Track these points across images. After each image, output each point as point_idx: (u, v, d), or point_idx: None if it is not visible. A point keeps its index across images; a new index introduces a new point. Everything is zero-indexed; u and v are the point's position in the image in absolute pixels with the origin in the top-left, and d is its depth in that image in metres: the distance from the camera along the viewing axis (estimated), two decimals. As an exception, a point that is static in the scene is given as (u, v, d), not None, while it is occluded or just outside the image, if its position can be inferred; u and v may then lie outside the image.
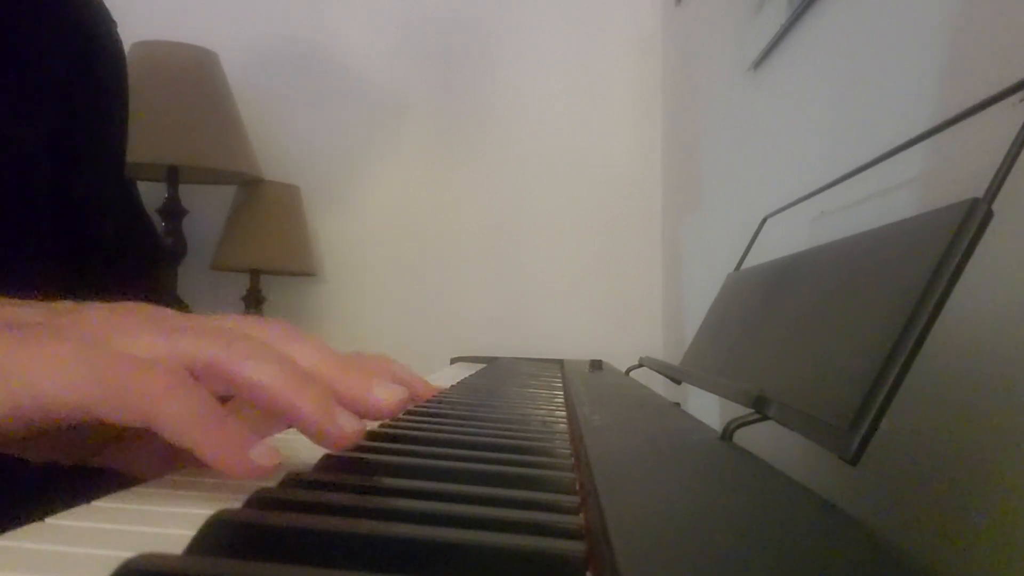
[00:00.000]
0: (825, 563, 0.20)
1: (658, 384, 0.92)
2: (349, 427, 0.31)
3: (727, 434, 0.38)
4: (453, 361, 1.43)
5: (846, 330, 0.38)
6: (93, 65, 0.57)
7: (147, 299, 0.35)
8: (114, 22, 0.60)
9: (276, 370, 0.30)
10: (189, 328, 0.31)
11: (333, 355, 0.34)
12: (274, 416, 0.31)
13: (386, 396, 0.34)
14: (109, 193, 0.64)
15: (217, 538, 0.21)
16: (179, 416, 0.27)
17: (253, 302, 1.78)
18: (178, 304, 0.79)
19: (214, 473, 0.33)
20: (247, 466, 0.28)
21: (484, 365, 1.19)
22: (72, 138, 0.55)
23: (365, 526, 0.21)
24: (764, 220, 0.79)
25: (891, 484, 0.55)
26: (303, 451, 0.41)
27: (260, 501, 0.25)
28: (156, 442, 0.32)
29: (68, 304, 0.33)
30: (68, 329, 0.31)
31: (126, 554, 0.19)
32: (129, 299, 0.35)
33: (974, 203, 0.33)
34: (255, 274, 1.79)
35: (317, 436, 0.31)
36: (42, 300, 0.34)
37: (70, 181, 0.56)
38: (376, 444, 0.37)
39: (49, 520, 0.24)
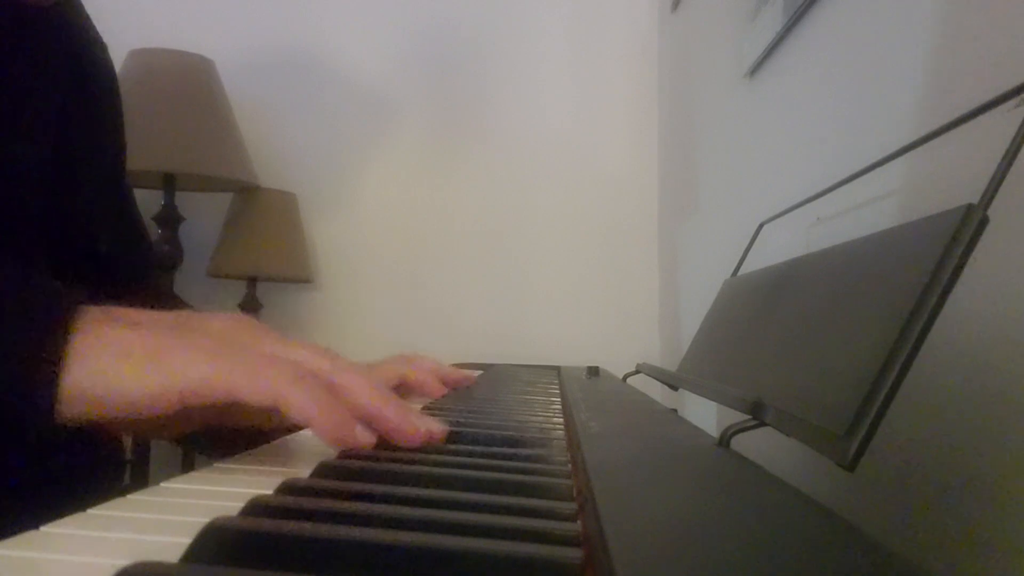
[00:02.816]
0: (822, 569, 0.20)
1: (655, 390, 0.92)
2: (423, 427, 0.39)
3: (724, 440, 0.38)
4: (450, 368, 1.42)
5: (843, 336, 0.38)
6: (86, 87, 0.61)
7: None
8: (104, 46, 0.64)
9: (367, 382, 0.39)
10: (298, 343, 0.40)
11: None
12: (361, 418, 0.38)
13: (437, 424, 0.41)
14: (104, 208, 0.67)
15: (213, 546, 0.21)
16: (303, 400, 0.35)
17: (250, 309, 1.77)
18: (178, 305, 0.79)
19: (208, 480, 0.33)
20: (353, 440, 0.35)
21: (481, 372, 1.19)
22: (68, 156, 0.58)
23: (362, 533, 0.21)
24: (761, 226, 0.79)
25: (888, 490, 0.55)
26: (299, 458, 0.41)
27: (256, 508, 0.25)
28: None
29: (193, 312, 0.42)
30: (205, 330, 0.39)
31: (121, 562, 0.19)
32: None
33: (970, 209, 0.33)
34: (252, 281, 1.78)
35: (398, 435, 0.38)
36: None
37: (66, 197, 0.59)
38: (372, 452, 0.37)
39: (44, 528, 0.24)
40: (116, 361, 0.34)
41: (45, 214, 0.57)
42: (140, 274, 0.76)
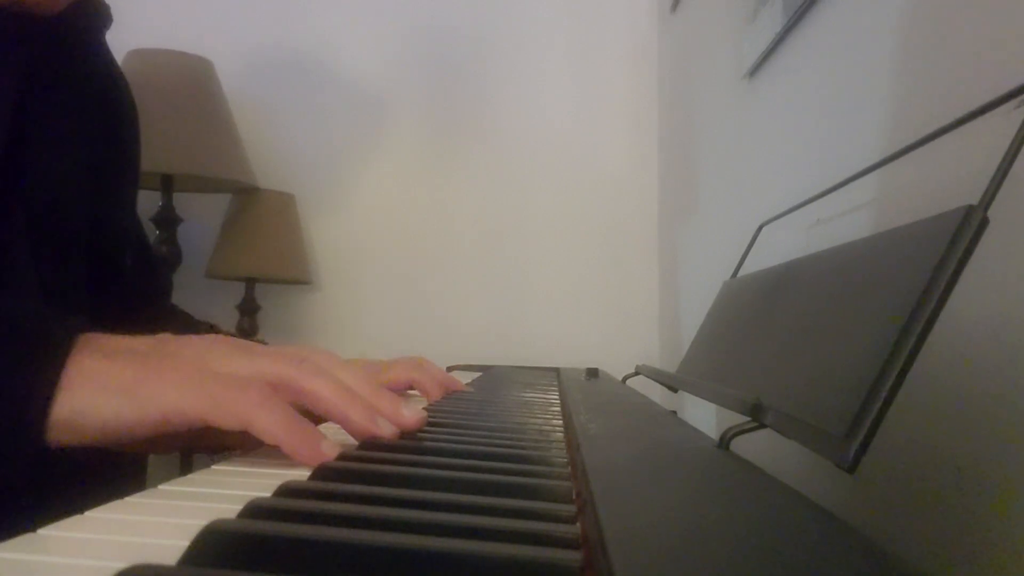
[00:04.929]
0: (823, 572, 0.20)
1: (655, 392, 0.92)
2: (387, 430, 0.41)
3: (724, 442, 0.38)
4: (449, 370, 1.42)
5: (843, 337, 0.38)
6: (114, 124, 0.71)
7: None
8: (127, 83, 0.74)
9: (333, 385, 0.41)
10: (267, 353, 0.42)
11: (371, 378, 0.44)
12: (329, 419, 0.41)
13: (411, 415, 0.43)
14: (128, 228, 0.76)
15: (211, 548, 0.21)
16: (269, 422, 0.37)
17: (248, 311, 1.77)
18: (190, 325, 0.87)
19: (206, 483, 0.33)
20: (320, 456, 0.36)
21: (480, 373, 1.19)
22: (100, 177, 0.67)
23: (360, 536, 0.21)
24: (760, 227, 0.79)
25: (888, 492, 0.55)
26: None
27: (255, 511, 0.25)
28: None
29: (168, 336, 0.43)
30: (176, 355, 0.40)
31: (119, 565, 0.19)
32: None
33: (969, 210, 0.33)
34: (250, 282, 1.78)
35: (365, 437, 0.40)
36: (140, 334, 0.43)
37: (100, 210, 0.67)
38: (372, 453, 0.37)
39: (41, 531, 0.24)
40: (94, 394, 0.37)
41: (84, 222, 0.64)
42: (156, 296, 0.86)
